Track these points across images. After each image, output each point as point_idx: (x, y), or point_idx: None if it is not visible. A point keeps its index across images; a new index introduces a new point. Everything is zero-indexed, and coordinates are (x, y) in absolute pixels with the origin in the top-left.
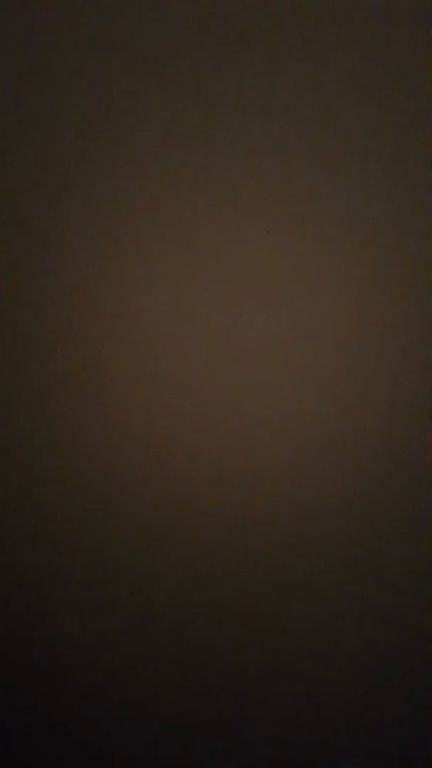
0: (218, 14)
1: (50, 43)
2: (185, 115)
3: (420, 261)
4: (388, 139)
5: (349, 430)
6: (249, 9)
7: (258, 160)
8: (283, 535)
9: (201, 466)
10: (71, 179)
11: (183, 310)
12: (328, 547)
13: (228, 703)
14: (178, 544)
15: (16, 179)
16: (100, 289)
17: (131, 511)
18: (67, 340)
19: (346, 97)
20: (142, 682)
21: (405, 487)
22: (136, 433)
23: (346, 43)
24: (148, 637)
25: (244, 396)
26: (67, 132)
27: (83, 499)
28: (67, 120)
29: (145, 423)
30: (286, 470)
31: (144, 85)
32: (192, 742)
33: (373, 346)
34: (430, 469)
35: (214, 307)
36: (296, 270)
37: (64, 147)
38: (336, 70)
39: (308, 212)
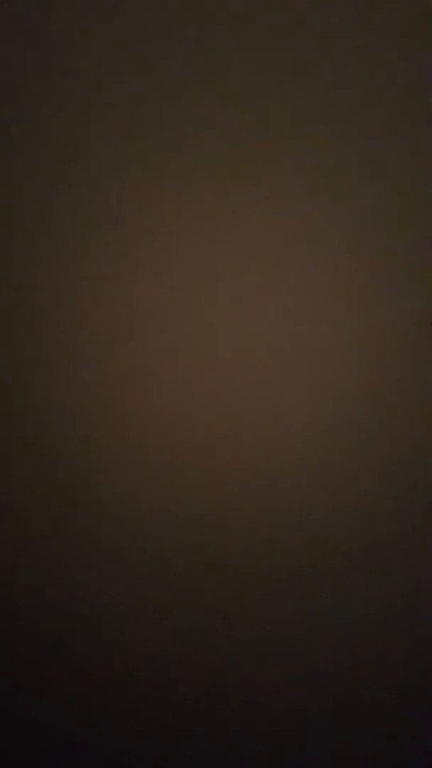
0: (217, 13)
1: (50, 38)
2: (186, 114)
3: (421, 261)
4: (389, 138)
5: (350, 431)
6: (248, 7)
7: (259, 158)
8: (284, 535)
9: (201, 465)
10: (70, 173)
11: (184, 312)
12: (329, 548)
13: (228, 703)
14: (177, 544)
15: (15, 174)
16: (100, 287)
17: (131, 512)
18: (68, 340)
19: (346, 95)
20: (142, 682)
21: (406, 487)
22: (137, 433)
23: (347, 42)
24: (149, 637)
25: (245, 396)
26: (66, 128)
27: (83, 498)
28: (67, 116)
29: (144, 424)
30: (286, 470)
31: (144, 78)
32: (191, 742)
33: (373, 348)
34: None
35: (214, 308)
36: (297, 270)
37: (63, 142)
38: (336, 68)
39: (310, 213)
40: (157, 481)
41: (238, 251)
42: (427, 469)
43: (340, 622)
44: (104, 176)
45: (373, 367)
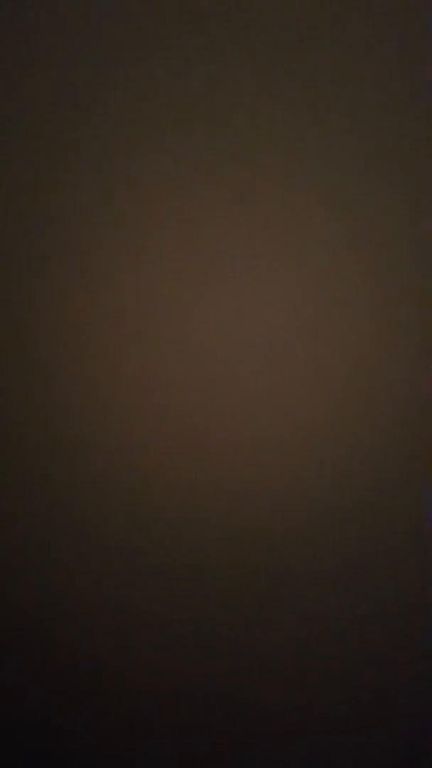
0: (218, 13)
1: (49, 37)
2: (186, 115)
3: (421, 260)
4: (390, 135)
5: (349, 433)
6: (249, 8)
7: (259, 156)
8: (283, 536)
9: (201, 467)
10: (69, 177)
11: (184, 313)
12: (329, 549)
13: (228, 704)
14: (178, 545)
15: (15, 180)
16: (100, 288)
17: (132, 514)
18: (68, 341)
19: (347, 93)
20: (142, 682)
21: (406, 488)
22: (137, 435)
23: (347, 40)
24: (150, 638)
25: (244, 398)
26: (64, 131)
27: (83, 501)
28: (65, 118)
29: (144, 425)
30: (285, 472)
31: (145, 80)
32: (191, 743)
33: (373, 350)
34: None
35: (214, 308)
36: (298, 272)
37: (62, 144)
38: (337, 68)
39: (310, 213)
40: (155, 481)
41: (237, 252)
42: (427, 469)
43: (340, 623)
44: (104, 179)
45: (373, 367)
